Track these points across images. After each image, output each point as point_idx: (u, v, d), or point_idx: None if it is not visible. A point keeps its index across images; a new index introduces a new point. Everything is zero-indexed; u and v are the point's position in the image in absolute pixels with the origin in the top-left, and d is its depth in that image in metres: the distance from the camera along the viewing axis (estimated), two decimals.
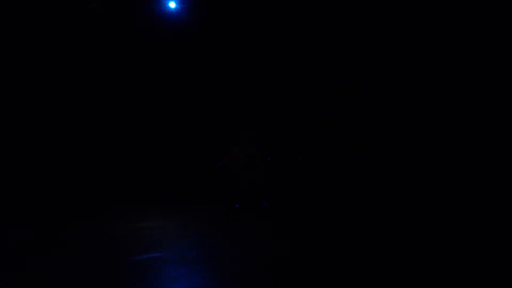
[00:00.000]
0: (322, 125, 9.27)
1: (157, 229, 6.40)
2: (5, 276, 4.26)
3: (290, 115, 9.57)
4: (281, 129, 9.31)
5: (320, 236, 6.03)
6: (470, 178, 7.47)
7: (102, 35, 9.87)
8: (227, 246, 5.25)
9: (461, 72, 8.02)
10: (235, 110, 10.11)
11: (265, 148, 8.45)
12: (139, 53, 10.14)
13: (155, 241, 5.60)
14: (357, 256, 4.92)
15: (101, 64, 10.16)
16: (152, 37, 9.94)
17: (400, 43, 8.58)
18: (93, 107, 10.31)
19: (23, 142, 9.76)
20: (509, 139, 7.43)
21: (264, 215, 7.56)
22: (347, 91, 9.10)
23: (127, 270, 4.28)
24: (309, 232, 6.18)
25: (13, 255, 5.22)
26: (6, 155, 9.55)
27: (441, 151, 8.09)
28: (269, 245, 5.32)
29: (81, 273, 4.30)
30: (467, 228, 6.08)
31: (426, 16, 8.27)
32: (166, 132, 10.68)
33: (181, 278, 4.01)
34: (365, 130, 8.91)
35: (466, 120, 7.93)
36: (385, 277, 4.16)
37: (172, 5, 9.35)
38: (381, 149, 8.66)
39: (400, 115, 8.62)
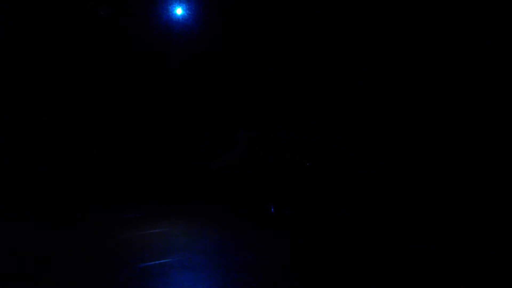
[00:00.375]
0: (323, 126, 9.26)
1: (164, 234, 6.37)
2: (7, 281, 4.25)
3: (291, 116, 9.56)
4: (282, 129, 9.30)
5: (323, 237, 6.04)
6: (470, 178, 7.47)
7: (103, 38, 9.87)
8: (234, 251, 5.23)
9: (461, 72, 8.02)
10: (235, 110, 10.11)
11: (266, 149, 8.46)
12: (138, 54, 10.14)
13: (162, 246, 5.56)
14: (357, 256, 4.92)
15: (101, 65, 10.15)
16: (150, 38, 9.94)
17: (400, 43, 8.57)
18: (93, 108, 10.29)
19: (23, 142, 9.75)
20: (509, 139, 7.43)
21: (271, 220, 7.57)
22: (347, 91, 9.09)
23: (135, 276, 4.25)
24: (314, 235, 6.19)
25: (14, 257, 5.19)
26: (6, 155, 9.54)
27: (441, 151, 8.08)
28: (277, 250, 5.31)
29: (87, 279, 4.27)
30: (467, 228, 6.08)
31: (426, 16, 8.26)
32: (168, 133, 10.67)
33: (189, 285, 4.00)
34: (365, 130, 8.91)
35: (466, 120, 7.92)
36: (385, 277, 4.16)
37: (179, 11, 9.38)
38: (381, 149, 8.65)
39: (400, 115, 8.61)
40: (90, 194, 9.73)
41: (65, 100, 10.10)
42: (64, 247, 5.63)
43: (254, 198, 7.96)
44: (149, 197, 9.87)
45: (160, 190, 10.08)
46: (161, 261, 4.80)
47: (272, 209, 7.67)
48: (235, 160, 7.10)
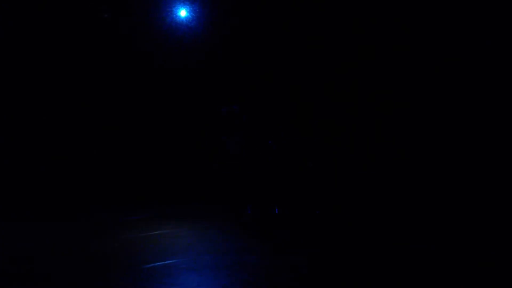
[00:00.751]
0: (323, 126, 9.27)
1: (167, 235, 6.36)
2: (7, 281, 4.24)
3: (291, 116, 9.57)
4: (282, 129, 9.30)
5: (323, 237, 6.05)
6: (470, 178, 7.47)
7: (104, 38, 9.89)
8: (239, 252, 5.23)
9: (461, 72, 8.02)
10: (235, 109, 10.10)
11: (266, 149, 8.45)
12: (139, 55, 10.15)
13: (165, 247, 5.54)
14: (357, 256, 4.93)
15: (103, 65, 10.16)
16: (150, 38, 9.96)
17: (400, 43, 8.57)
18: (93, 108, 10.30)
19: (23, 142, 9.75)
20: (509, 139, 7.43)
21: (275, 220, 7.58)
22: (347, 91, 9.10)
23: (139, 277, 4.25)
24: (315, 235, 6.20)
25: (14, 257, 5.19)
26: (6, 155, 9.54)
27: (441, 151, 8.09)
28: (280, 251, 5.31)
29: (89, 280, 4.26)
30: (467, 228, 6.09)
31: (426, 16, 8.27)
32: (168, 134, 10.67)
33: (193, 285, 4.00)
34: (365, 130, 8.91)
35: (466, 120, 7.92)
36: (385, 277, 4.16)
37: (183, 13, 9.41)
38: (381, 149, 8.66)
39: (400, 115, 8.62)
40: (90, 195, 9.73)
41: (65, 100, 10.10)
42: (64, 247, 5.63)
43: (255, 198, 7.96)
44: (149, 199, 9.87)
45: (160, 191, 10.09)
46: (166, 262, 4.80)
47: (277, 210, 7.68)
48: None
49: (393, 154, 8.51)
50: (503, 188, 6.99)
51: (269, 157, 8.54)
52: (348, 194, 8.37)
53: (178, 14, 9.67)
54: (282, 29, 9.51)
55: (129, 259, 4.97)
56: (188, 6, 9.63)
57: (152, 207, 9.21)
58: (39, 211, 8.59)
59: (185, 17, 9.73)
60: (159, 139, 10.67)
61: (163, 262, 4.78)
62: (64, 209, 8.90)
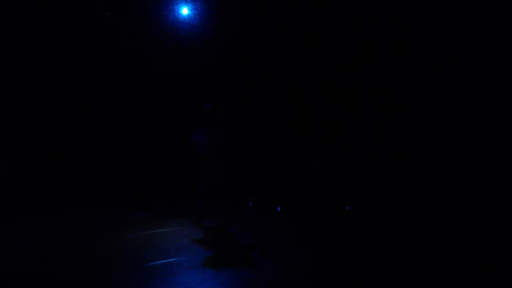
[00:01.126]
0: (323, 126, 9.27)
1: (168, 234, 6.36)
2: (7, 281, 4.24)
3: (291, 116, 9.56)
4: (282, 129, 9.30)
5: (324, 237, 6.05)
6: (470, 178, 7.47)
7: (104, 38, 9.89)
8: (240, 251, 5.24)
9: (461, 72, 8.02)
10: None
11: (267, 149, 8.46)
12: (140, 55, 10.15)
13: (168, 246, 5.54)
14: (357, 256, 4.93)
15: (103, 65, 10.16)
16: (151, 38, 9.96)
17: (400, 43, 8.58)
18: (93, 108, 10.30)
19: (23, 142, 9.76)
20: (509, 139, 7.44)
21: (278, 218, 7.59)
22: (347, 91, 9.10)
23: (141, 276, 4.25)
24: (315, 235, 6.20)
25: (14, 257, 5.18)
26: (6, 155, 9.55)
27: (441, 152, 8.09)
28: (282, 250, 5.32)
29: (91, 280, 4.26)
30: (467, 228, 6.10)
31: (426, 16, 8.27)
32: (168, 133, 10.67)
33: (195, 283, 4.01)
34: (365, 130, 8.91)
35: (466, 120, 7.93)
36: (385, 277, 4.17)
37: (185, 11, 9.41)
38: (381, 149, 8.66)
39: (400, 115, 8.62)
40: (90, 194, 9.74)
41: (65, 100, 10.11)
42: (64, 247, 5.63)
43: (257, 197, 7.98)
44: (149, 199, 9.88)
45: (160, 191, 10.09)
46: (167, 260, 4.81)
47: (279, 209, 7.70)
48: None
49: (393, 154, 8.52)
50: (503, 188, 7.00)
51: (269, 157, 8.55)
52: (348, 194, 8.38)
53: (178, 13, 9.68)
54: (282, 29, 9.52)
55: (130, 258, 4.96)
56: (187, 6, 9.63)
57: (152, 207, 9.21)
58: (39, 211, 8.59)
59: (185, 17, 9.73)
60: (159, 139, 10.67)
61: (165, 261, 4.78)
62: (64, 209, 8.90)
